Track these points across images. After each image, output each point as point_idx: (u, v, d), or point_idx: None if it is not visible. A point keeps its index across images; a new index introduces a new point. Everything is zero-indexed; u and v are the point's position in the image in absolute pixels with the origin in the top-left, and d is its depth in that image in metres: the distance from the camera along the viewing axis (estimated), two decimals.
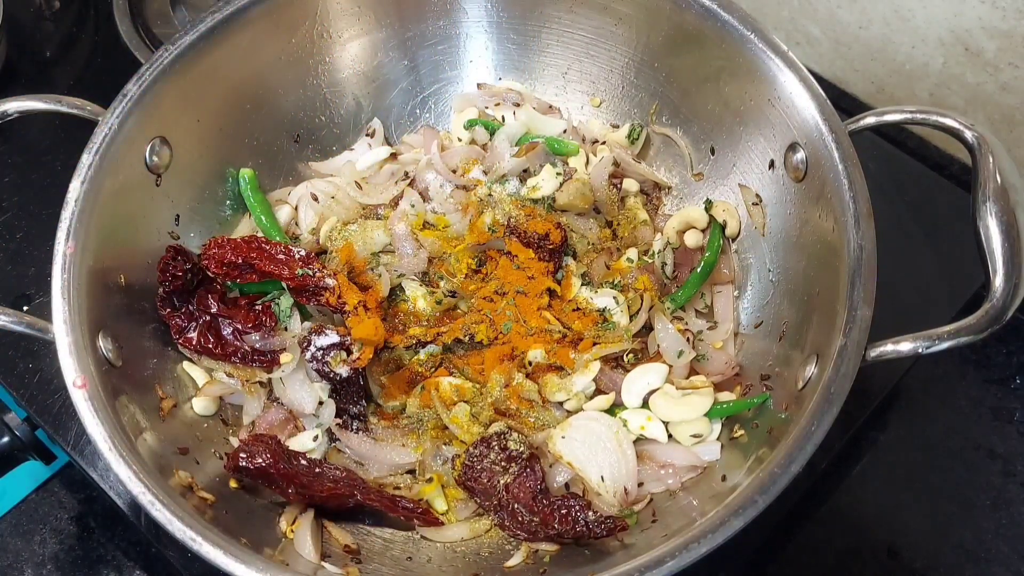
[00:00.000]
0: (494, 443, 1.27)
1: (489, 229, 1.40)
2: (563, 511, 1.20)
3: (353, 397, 1.35)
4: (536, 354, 1.34)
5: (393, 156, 1.54)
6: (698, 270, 1.41)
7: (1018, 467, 1.47)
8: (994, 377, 1.54)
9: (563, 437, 1.28)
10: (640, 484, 1.27)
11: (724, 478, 1.21)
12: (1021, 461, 1.47)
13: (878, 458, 1.47)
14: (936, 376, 1.53)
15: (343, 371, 1.32)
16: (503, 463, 1.25)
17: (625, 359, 1.37)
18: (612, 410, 1.32)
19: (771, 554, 1.40)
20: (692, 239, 1.44)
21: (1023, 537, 1.42)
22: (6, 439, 1.38)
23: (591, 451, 1.26)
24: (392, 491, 1.30)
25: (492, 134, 1.52)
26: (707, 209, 1.43)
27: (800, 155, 1.28)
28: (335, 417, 1.34)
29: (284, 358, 1.31)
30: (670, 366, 1.34)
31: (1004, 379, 1.54)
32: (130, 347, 1.25)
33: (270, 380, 1.34)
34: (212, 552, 1.06)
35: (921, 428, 1.50)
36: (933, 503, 1.44)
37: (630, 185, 1.49)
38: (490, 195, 1.44)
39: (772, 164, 1.35)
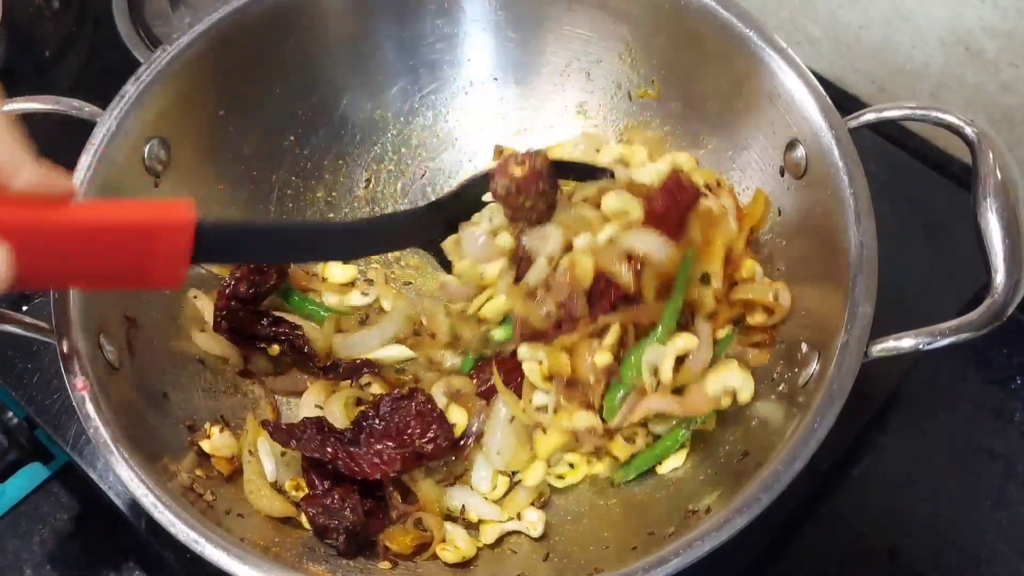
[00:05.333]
0: None
1: None
2: None
3: None
4: None
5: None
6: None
7: (1019, 468, 1.46)
8: (995, 378, 1.54)
9: None
10: None
11: None
12: (1022, 462, 1.47)
13: (879, 460, 1.47)
14: (936, 378, 1.53)
15: None
16: None
17: None
18: None
19: (772, 556, 1.40)
20: None
21: None
22: (5, 439, 1.38)
23: None
24: None
25: None
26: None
27: (800, 151, 1.28)
28: None
29: None
30: None
31: (1005, 380, 1.54)
32: (131, 349, 1.25)
33: None
34: (215, 554, 1.06)
35: (922, 430, 1.49)
36: (934, 504, 1.44)
37: None
38: None
39: (771, 161, 1.35)
